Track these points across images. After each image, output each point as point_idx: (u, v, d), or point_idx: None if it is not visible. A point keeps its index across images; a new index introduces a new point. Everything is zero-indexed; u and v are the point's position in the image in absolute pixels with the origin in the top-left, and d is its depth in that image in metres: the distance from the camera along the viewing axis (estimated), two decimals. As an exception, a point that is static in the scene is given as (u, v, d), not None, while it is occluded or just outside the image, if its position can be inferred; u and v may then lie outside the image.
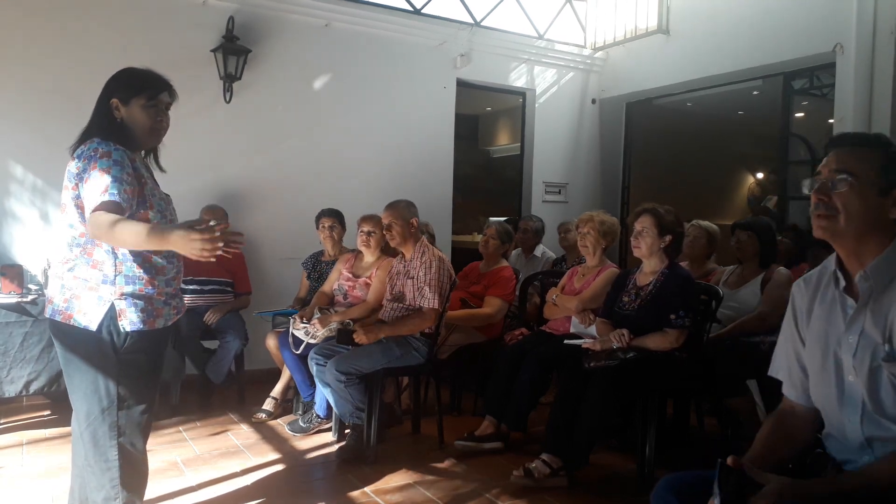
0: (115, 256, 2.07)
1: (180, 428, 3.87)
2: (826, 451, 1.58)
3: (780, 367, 1.73)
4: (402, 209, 3.68)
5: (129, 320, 2.06)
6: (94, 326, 2.04)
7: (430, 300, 3.53)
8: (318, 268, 4.52)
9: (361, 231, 4.03)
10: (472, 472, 3.26)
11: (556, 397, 3.35)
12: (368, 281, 4.00)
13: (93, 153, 2.03)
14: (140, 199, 2.08)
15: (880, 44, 4.39)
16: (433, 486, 3.10)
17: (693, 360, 3.13)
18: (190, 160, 4.73)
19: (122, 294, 2.06)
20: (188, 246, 1.88)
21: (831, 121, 4.75)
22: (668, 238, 3.19)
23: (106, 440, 2.10)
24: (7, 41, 4.21)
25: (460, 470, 3.30)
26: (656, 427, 3.05)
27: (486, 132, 9.23)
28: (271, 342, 4.18)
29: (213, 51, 4.73)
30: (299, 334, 3.79)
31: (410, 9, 5.60)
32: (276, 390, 4.17)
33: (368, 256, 4.09)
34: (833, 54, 4.62)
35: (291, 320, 3.88)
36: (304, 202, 4.92)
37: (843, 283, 1.55)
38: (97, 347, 2.06)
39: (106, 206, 1.95)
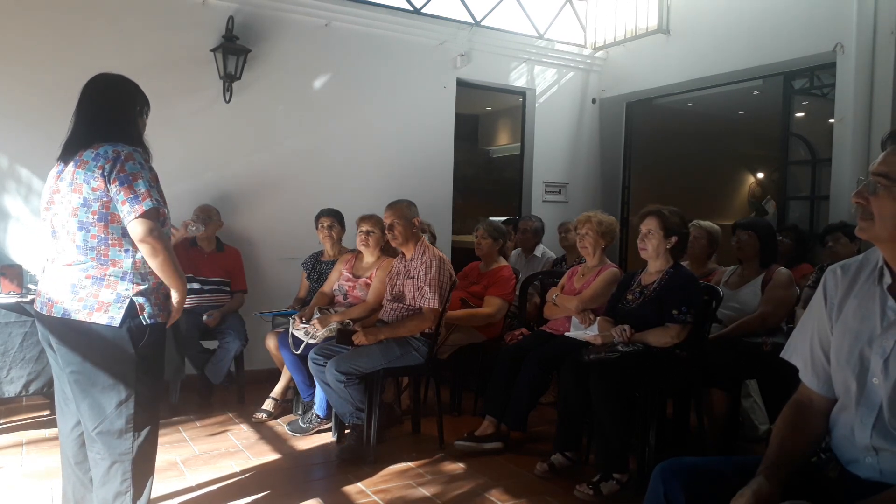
0: (133, 255, 2.17)
1: (180, 428, 3.87)
2: (828, 454, 1.56)
3: (798, 352, 1.66)
4: (404, 209, 3.68)
5: (148, 314, 2.18)
6: (116, 323, 2.12)
7: (429, 300, 3.53)
8: (317, 268, 4.52)
9: (360, 231, 4.03)
10: (472, 472, 3.26)
11: (558, 394, 3.37)
12: (368, 281, 4.00)
13: (115, 154, 2.11)
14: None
15: (881, 44, 4.38)
16: (433, 486, 3.10)
17: (693, 359, 3.13)
18: (189, 160, 4.74)
19: (140, 291, 2.17)
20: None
21: (832, 121, 4.75)
22: (673, 239, 3.21)
23: (120, 435, 2.17)
24: (7, 41, 4.21)
25: (460, 470, 3.30)
26: (656, 426, 3.05)
27: (486, 132, 9.22)
28: (271, 343, 4.18)
29: (213, 51, 4.72)
30: (299, 334, 3.79)
31: (410, 9, 5.59)
32: (276, 391, 4.17)
33: (368, 256, 4.08)
34: (833, 54, 4.61)
35: (291, 321, 3.87)
36: (304, 202, 4.92)
37: (888, 280, 1.48)
38: (118, 344, 2.14)
39: (151, 215, 2.10)
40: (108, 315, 2.11)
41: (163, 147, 4.86)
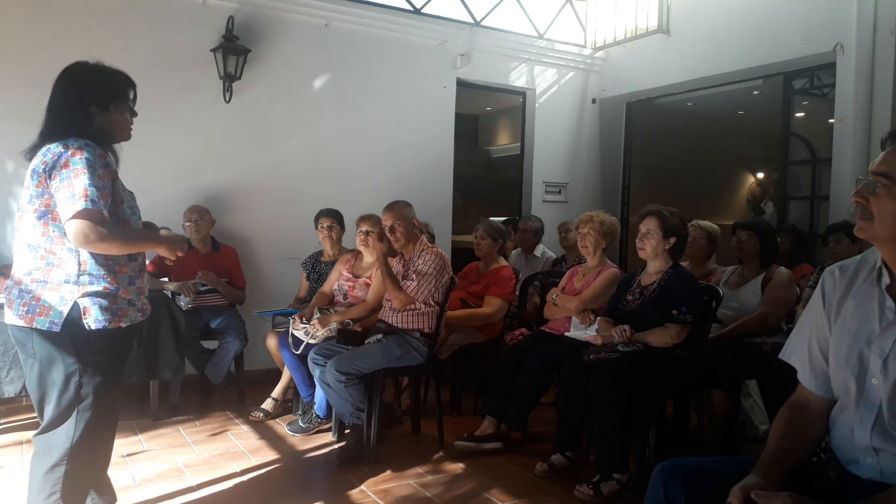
0: (79, 255, 2.04)
1: (180, 428, 3.87)
2: (828, 455, 1.55)
3: (797, 353, 1.65)
4: (403, 210, 3.69)
5: (94, 318, 2.03)
6: (57, 328, 2.00)
7: (411, 288, 3.55)
8: (317, 268, 4.52)
9: (360, 231, 4.03)
10: (472, 472, 3.26)
11: (558, 394, 3.37)
12: (368, 281, 4.00)
13: (63, 149, 2.00)
14: (112, 194, 2.07)
15: (880, 43, 4.38)
16: (433, 486, 3.10)
17: (693, 359, 3.13)
18: (189, 160, 4.75)
19: (86, 293, 2.03)
20: (176, 243, 2.20)
21: (831, 121, 4.75)
22: (672, 240, 3.21)
23: (60, 442, 2.04)
24: (7, 41, 4.21)
25: (460, 470, 3.30)
26: (656, 426, 3.05)
27: (486, 132, 9.22)
28: (272, 342, 4.18)
29: (213, 50, 4.73)
30: (299, 334, 3.79)
31: (410, 9, 5.59)
32: (277, 391, 4.16)
33: (368, 256, 4.09)
34: (833, 54, 4.62)
35: (291, 320, 3.87)
36: (304, 202, 4.92)
37: (886, 280, 1.48)
38: (59, 349, 2.02)
39: (88, 215, 1.94)
40: (49, 319, 1.99)
41: (163, 147, 4.87)
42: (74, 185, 1.95)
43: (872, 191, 1.43)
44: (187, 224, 4.47)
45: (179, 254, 2.26)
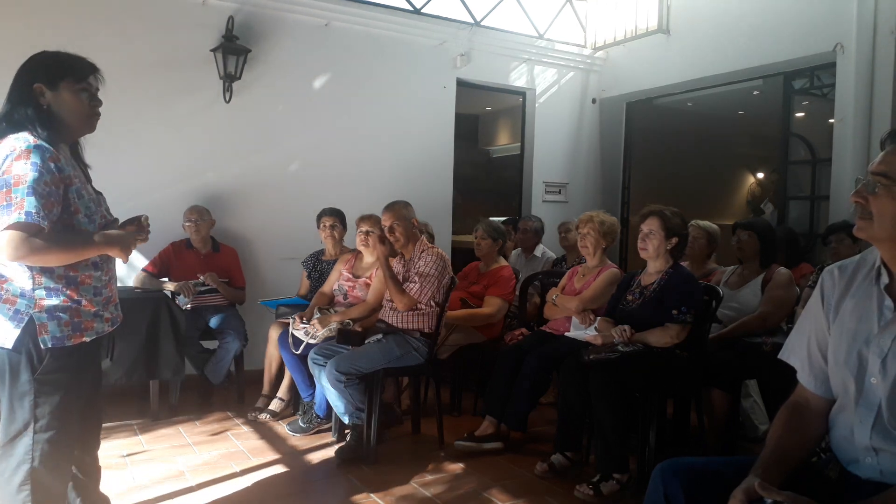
0: (31, 267, 1.89)
1: (180, 428, 3.87)
2: (828, 455, 1.55)
3: (796, 352, 1.66)
4: (402, 210, 3.69)
5: (51, 335, 1.90)
6: (9, 344, 1.87)
7: (414, 290, 3.55)
8: (318, 267, 4.52)
9: (360, 231, 4.03)
10: (472, 472, 3.26)
11: (558, 394, 3.37)
12: (368, 281, 4.00)
13: (10, 151, 1.83)
14: (64, 203, 1.89)
15: (881, 44, 4.39)
16: (433, 486, 3.10)
17: (693, 359, 3.13)
18: (189, 160, 4.75)
19: (43, 307, 1.90)
20: (128, 242, 2.01)
21: (831, 121, 4.75)
22: (674, 240, 3.21)
23: (16, 470, 1.91)
24: (7, 42, 4.20)
25: (460, 470, 3.30)
26: (656, 426, 3.05)
27: (486, 132, 9.23)
28: (274, 334, 4.14)
29: (213, 50, 4.72)
30: (299, 334, 3.79)
31: (410, 9, 5.59)
32: (282, 390, 4.13)
33: (368, 256, 4.09)
34: (833, 54, 4.62)
35: (292, 320, 3.87)
36: (304, 202, 4.92)
37: (885, 279, 1.48)
38: (12, 366, 1.89)
39: (21, 228, 1.77)
40: (3, 335, 1.86)
41: (163, 147, 4.87)
42: (12, 195, 1.78)
43: (872, 191, 1.43)
44: (187, 224, 4.47)
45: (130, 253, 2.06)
